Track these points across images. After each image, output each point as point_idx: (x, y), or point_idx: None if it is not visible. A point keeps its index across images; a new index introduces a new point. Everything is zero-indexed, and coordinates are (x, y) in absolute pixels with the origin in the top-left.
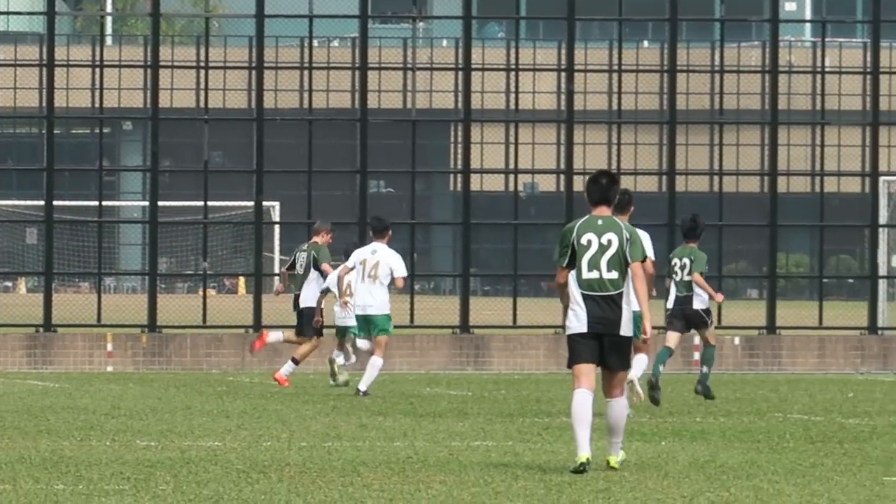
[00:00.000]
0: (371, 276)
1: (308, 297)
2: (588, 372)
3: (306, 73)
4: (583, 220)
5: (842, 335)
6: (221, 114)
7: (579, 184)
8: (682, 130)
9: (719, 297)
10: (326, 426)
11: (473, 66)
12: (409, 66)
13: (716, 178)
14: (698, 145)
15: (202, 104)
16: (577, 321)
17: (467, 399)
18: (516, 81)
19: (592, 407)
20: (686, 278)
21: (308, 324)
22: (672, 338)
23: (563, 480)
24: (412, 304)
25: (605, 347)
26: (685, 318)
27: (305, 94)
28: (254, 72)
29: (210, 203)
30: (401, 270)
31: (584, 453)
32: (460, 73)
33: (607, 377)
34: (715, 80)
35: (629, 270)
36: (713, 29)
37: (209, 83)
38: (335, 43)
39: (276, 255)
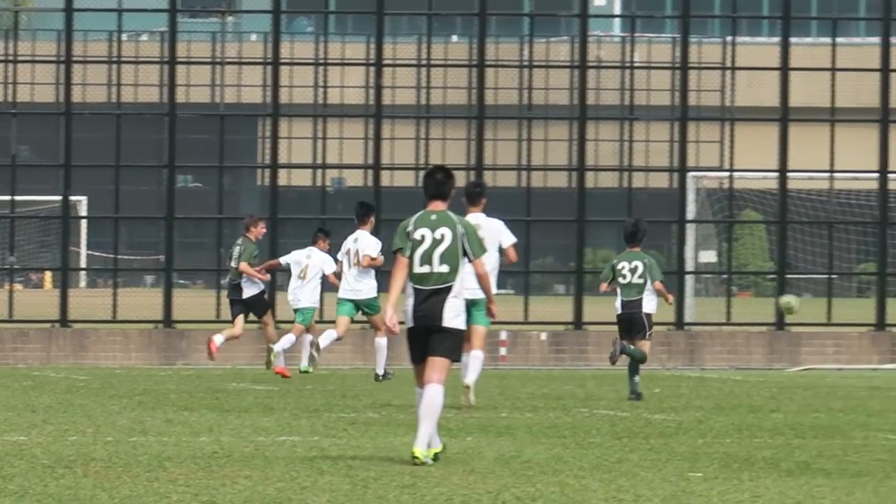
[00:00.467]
0: (356, 264)
1: (251, 288)
2: (421, 372)
3: (115, 67)
4: (418, 215)
5: None
6: (29, 108)
7: (387, 179)
8: (490, 125)
9: (671, 298)
10: (132, 421)
11: (282, 61)
12: (217, 60)
13: (524, 173)
14: (507, 140)
15: (10, 98)
16: (407, 316)
17: (273, 394)
18: (325, 76)
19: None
20: (636, 281)
21: (261, 307)
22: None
23: (368, 476)
24: (218, 298)
25: (429, 338)
26: (630, 321)
27: (114, 89)
28: (62, 66)
29: (17, 197)
30: (369, 250)
31: (432, 446)
32: (269, 67)
33: (429, 364)
34: (524, 75)
35: (464, 264)
36: (522, 24)
37: (17, 77)
38: (144, 37)
39: (83, 250)
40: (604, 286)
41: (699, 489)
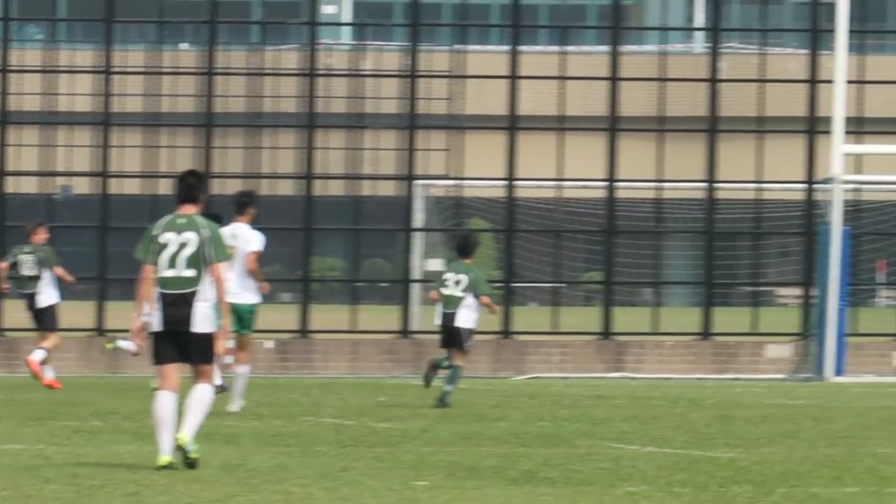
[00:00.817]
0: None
1: (48, 297)
2: (168, 373)
3: None
4: (166, 219)
5: (374, 339)
6: None
7: (115, 186)
8: (220, 133)
9: (496, 308)
10: None
11: (10, 68)
12: None
13: (252, 180)
14: (235, 148)
15: None
16: (156, 320)
17: None
18: (54, 83)
19: (175, 409)
20: (457, 294)
21: (51, 320)
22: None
23: (93, 484)
24: None
25: (181, 344)
26: (449, 333)
27: None
28: None
29: None
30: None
31: (165, 456)
32: None
33: (193, 370)
34: (253, 82)
35: (208, 269)
36: (252, 32)
37: None
38: None
39: None
40: (434, 294)
41: (424, 497)
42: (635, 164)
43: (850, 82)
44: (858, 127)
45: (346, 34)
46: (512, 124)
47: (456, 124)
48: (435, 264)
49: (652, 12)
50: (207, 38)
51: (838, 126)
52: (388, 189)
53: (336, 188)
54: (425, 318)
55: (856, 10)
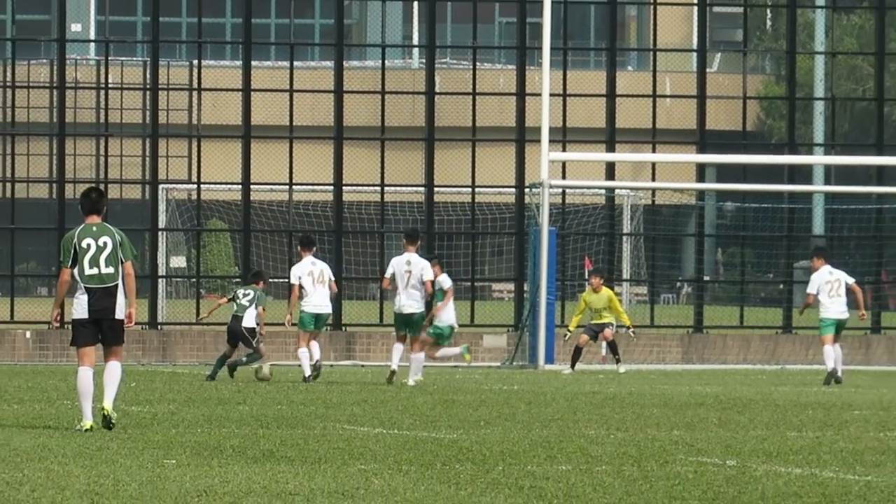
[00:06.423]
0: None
1: None
2: (89, 352)
3: None
4: (80, 227)
5: (126, 330)
6: None
7: None
8: None
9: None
10: None
11: None
12: None
13: (9, 184)
14: None
15: None
16: (80, 309)
17: None
18: None
19: (93, 381)
20: None
21: None
22: None
23: None
24: None
25: (103, 329)
26: None
27: None
28: None
29: None
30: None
31: (88, 421)
32: None
33: (106, 351)
34: (7, 94)
35: (123, 267)
36: (5, 47)
37: None
38: None
39: None
40: None
41: (173, 475)
42: (360, 170)
43: (554, 95)
44: (563, 136)
45: (92, 49)
46: (246, 133)
47: (195, 133)
48: (178, 261)
49: (372, 30)
50: None
51: (545, 135)
52: (133, 192)
53: None
54: (169, 310)
55: (559, 28)
